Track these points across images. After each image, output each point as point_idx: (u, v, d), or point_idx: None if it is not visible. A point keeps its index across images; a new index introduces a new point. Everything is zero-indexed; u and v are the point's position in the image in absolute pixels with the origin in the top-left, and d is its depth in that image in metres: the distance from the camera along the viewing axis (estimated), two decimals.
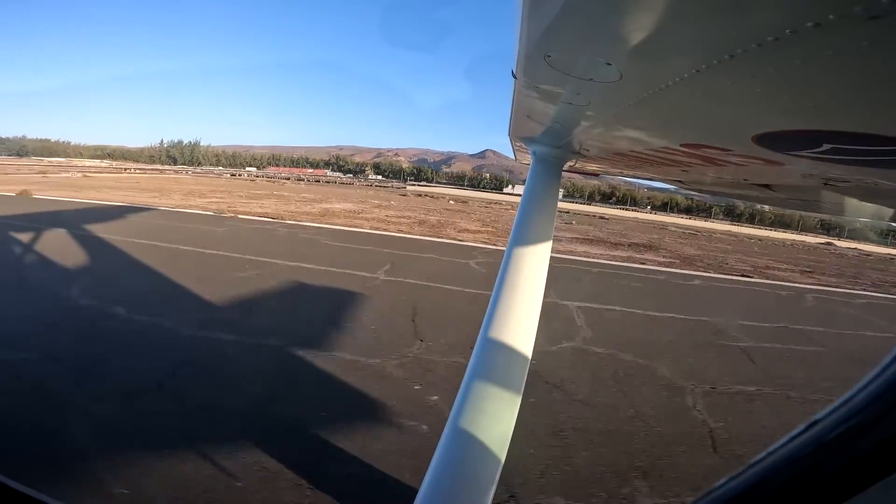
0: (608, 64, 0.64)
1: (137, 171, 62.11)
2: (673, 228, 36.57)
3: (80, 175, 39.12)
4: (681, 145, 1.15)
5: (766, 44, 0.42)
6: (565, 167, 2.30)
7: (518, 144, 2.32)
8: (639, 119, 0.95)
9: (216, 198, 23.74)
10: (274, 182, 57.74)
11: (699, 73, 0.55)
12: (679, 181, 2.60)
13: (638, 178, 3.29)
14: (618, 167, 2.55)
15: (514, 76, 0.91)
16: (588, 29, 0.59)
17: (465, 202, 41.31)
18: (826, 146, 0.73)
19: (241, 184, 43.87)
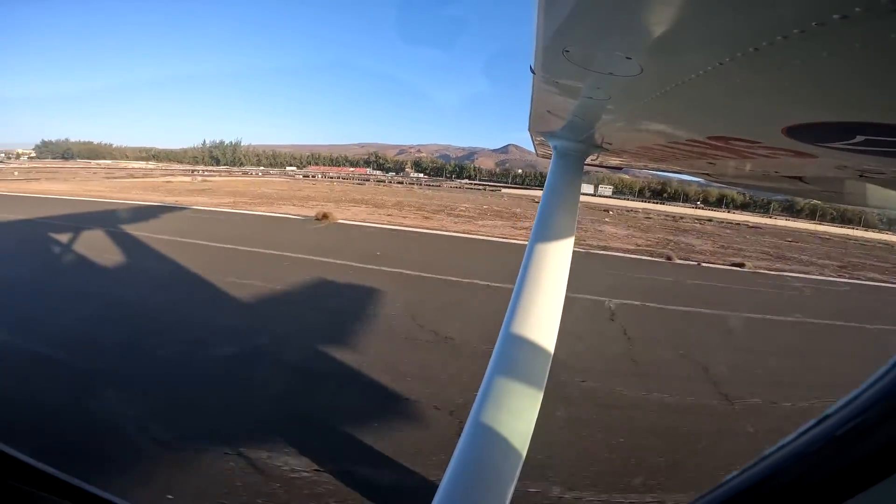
0: (628, 58, 0.63)
1: (212, 174, 62.84)
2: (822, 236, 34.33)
3: (199, 180, 39.25)
4: (707, 138, 1.12)
5: (791, 36, 0.40)
6: (587, 160, 2.26)
7: (539, 139, 2.30)
8: (661, 112, 0.93)
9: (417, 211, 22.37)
10: (356, 184, 57.00)
11: (722, 65, 0.53)
12: (706, 174, 2.53)
13: (663, 170, 3.21)
14: (642, 160, 2.50)
15: (533, 71, 0.91)
16: (607, 23, 0.58)
17: (607, 210, 38.84)
18: (859, 138, 0.70)
19: (341, 189, 42.29)
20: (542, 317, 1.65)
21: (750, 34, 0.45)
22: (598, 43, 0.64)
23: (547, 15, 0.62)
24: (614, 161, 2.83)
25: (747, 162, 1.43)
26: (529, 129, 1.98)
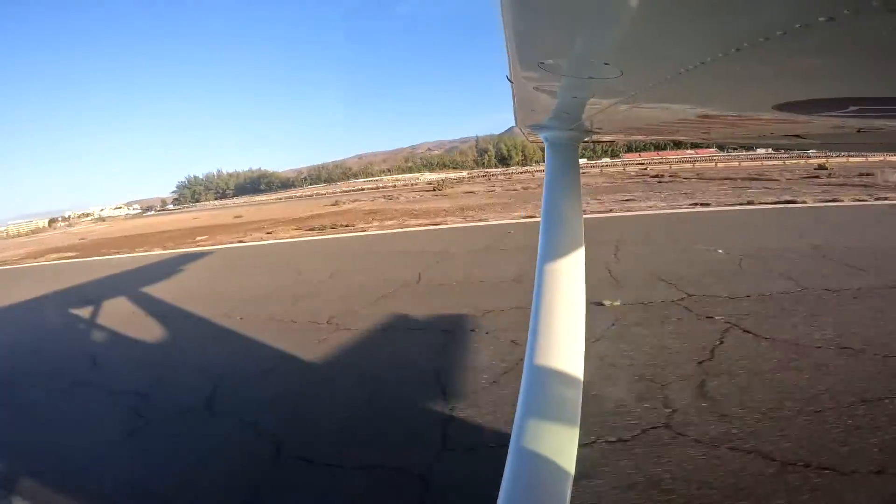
0: (606, 63, 0.61)
1: None
2: None
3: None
4: (697, 117, 1.10)
5: (774, 38, 0.39)
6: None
7: (527, 131, 2.27)
8: (647, 103, 0.91)
9: None
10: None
11: (704, 65, 0.52)
12: (702, 138, 2.50)
13: (658, 139, 3.17)
14: (636, 135, 2.46)
15: (510, 80, 0.89)
16: (580, 33, 0.56)
17: None
18: (852, 108, 0.68)
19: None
20: (567, 325, 1.59)
21: (730, 35, 0.43)
22: (573, 53, 0.62)
23: (516, 31, 0.60)
24: (607, 138, 2.79)
25: (742, 129, 1.40)
26: (517, 124, 1.95)
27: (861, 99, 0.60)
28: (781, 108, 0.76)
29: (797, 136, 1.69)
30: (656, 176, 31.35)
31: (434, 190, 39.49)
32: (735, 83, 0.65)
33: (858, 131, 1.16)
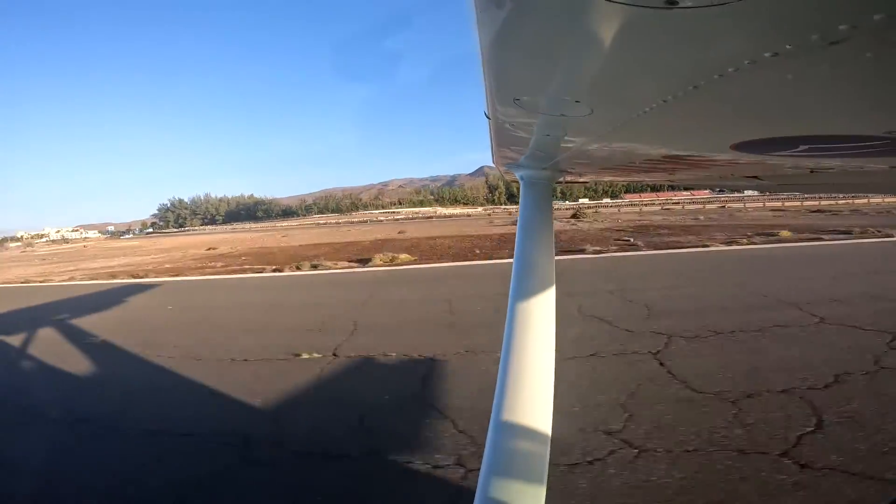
0: (577, 101, 0.65)
1: None
2: None
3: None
4: (662, 157, 1.16)
5: (726, 75, 0.42)
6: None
7: (504, 169, 2.33)
8: (616, 142, 0.96)
9: None
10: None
11: (667, 103, 0.56)
12: (667, 180, 2.61)
13: (627, 180, 3.30)
14: (606, 176, 2.56)
15: (487, 116, 0.93)
16: (553, 71, 0.59)
17: None
18: (803, 147, 0.74)
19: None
20: (537, 362, 1.57)
21: (688, 73, 0.47)
22: (546, 90, 0.66)
23: (493, 67, 0.64)
24: (580, 180, 2.89)
25: (703, 171, 1.48)
26: (494, 163, 2.01)
27: (810, 137, 0.65)
28: (738, 147, 0.82)
29: (755, 177, 1.80)
30: (815, 211, 31.32)
31: (573, 217, 38.90)
32: (695, 122, 0.69)
33: (811, 171, 1.24)
